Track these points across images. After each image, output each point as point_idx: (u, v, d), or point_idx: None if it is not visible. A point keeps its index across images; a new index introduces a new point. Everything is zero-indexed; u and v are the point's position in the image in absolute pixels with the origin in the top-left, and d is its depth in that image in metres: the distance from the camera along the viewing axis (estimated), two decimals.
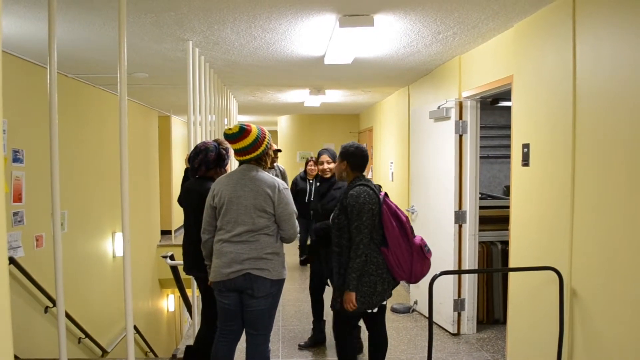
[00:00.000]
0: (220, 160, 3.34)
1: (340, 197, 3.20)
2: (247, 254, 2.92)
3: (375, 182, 3.76)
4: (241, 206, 2.92)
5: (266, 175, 3.00)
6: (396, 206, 3.13)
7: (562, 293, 2.96)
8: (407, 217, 3.14)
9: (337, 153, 3.34)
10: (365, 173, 3.23)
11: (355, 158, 3.17)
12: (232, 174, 3.04)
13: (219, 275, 2.95)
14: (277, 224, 2.99)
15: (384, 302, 3.17)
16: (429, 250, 3.12)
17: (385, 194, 3.14)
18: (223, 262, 2.94)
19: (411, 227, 3.14)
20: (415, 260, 3.05)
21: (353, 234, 2.98)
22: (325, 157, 4.16)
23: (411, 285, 5.62)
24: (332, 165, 4.10)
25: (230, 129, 2.96)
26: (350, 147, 3.21)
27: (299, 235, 3.34)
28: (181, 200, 3.51)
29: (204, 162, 3.26)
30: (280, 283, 3.03)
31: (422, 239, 3.13)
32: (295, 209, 3.06)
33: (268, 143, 3.04)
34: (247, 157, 2.99)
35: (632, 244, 2.43)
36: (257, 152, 2.99)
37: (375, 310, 3.10)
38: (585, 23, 2.79)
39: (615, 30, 2.57)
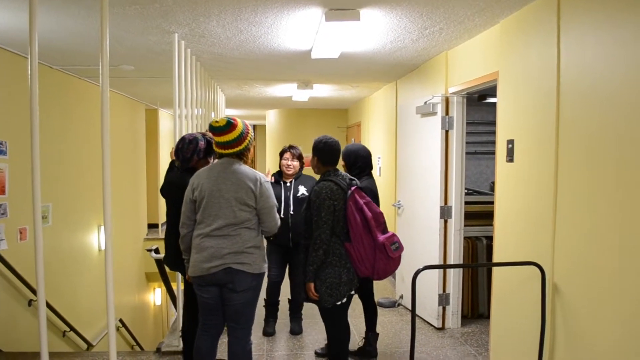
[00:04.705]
0: (210, 148, 3.31)
1: (310, 190, 3.26)
2: (228, 249, 2.91)
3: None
4: (223, 199, 2.92)
5: (247, 169, 3.01)
6: (367, 201, 3.12)
7: (544, 288, 2.99)
8: (378, 213, 3.12)
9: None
10: None
11: (324, 153, 3.20)
12: (212, 168, 3.03)
13: (198, 270, 2.94)
14: (258, 217, 3.01)
15: (352, 292, 3.17)
16: (397, 248, 3.10)
17: (358, 188, 3.14)
18: (203, 256, 2.93)
19: (382, 223, 3.13)
20: (377, 257, 3.05)
21: (314, 228, 3.04)
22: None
23: (397, 279, 5.65)
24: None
25: (217, 121, 2.96)
26: (319, 143, 3.22)
27: None
28: (163, 192, 3.49)
29: (196, 152, 3.24)
30: (260, 277, 3.05)
31: (391, 236, 3.11)
32: (276, 202, 3.09)
33: (251, 139, 3.06)
34: (230, 150, 2.99)
35: (613, 240, 2.46)
36: (240, 146, 3.00)
37: (344, 300, 3.11)
38: (569, 20, 2.81)
39: (599, 26, 2.59)
